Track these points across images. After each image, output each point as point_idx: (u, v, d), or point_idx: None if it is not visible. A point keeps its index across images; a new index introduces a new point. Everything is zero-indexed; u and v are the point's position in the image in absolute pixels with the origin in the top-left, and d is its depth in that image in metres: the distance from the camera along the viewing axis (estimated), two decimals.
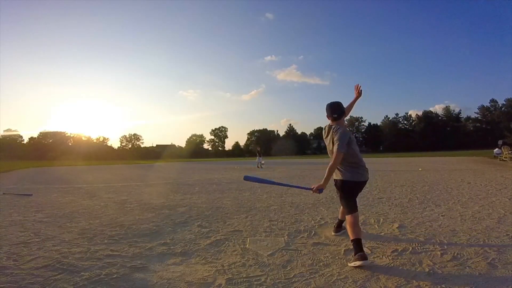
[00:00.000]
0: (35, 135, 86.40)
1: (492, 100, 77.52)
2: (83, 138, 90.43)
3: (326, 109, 2.76)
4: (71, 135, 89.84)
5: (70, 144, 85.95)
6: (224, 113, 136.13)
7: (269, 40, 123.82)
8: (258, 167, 19.36)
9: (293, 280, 2.16)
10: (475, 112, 79.86)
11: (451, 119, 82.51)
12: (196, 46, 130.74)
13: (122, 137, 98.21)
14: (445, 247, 2.75)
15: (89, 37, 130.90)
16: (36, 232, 3.64)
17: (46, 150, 74.99)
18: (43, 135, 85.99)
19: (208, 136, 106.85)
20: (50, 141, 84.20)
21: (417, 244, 2.87)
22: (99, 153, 74.13)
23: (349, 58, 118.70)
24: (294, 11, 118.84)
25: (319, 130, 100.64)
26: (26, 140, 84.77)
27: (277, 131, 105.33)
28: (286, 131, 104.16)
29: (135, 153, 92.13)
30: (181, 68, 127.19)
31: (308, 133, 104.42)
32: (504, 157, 17.87)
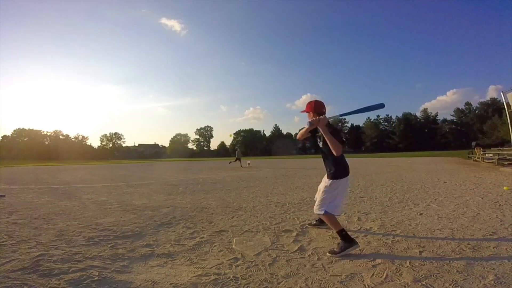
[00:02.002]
0: (9, 133, 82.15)
1: (467, 103, 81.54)
2: (61, 137, 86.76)
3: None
4: (48, 133, 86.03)
5: (46, 143, 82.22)
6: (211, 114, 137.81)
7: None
8: (229, 162, 20.32)
9: (279, 279, 2.17)
10: (450, 115, 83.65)
11: (429, 121, 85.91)
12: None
13: (103, 135, 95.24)
14: (424, 245, 2.86)
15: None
16: (10, 234, 3.46)
17: (21, 149, 71.45)
18: (18, 133, 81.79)
19: (192, 136, 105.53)
20: (25, 139, 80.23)
21: (397, 243, 2.97)
22: (78, 153, 71.44)
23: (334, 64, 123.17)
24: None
25: (302, 129, 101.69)
26: None
27: (263, 131, 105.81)
28: (272, 132, 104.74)
29: (116, 152, 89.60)
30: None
31: (293, 133, 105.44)
32: (477, 158, 18.81)
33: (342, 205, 2.94)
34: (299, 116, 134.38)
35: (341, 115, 2.90)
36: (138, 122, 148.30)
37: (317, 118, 2.75)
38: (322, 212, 2.78)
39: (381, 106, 2.74)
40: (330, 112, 3.55)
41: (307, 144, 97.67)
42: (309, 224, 3.70)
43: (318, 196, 2.94)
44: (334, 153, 2.60)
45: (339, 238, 2.74)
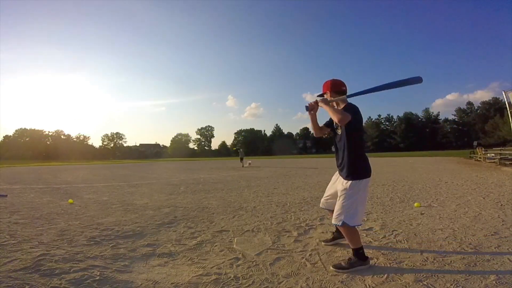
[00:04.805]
0: (11, 133, 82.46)
1: (469, 103, 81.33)
2: (62, 137, 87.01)
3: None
4: (49, 133, 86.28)
5: (48, 143, 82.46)
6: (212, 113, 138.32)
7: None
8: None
9: (280, 279, 2.17)
10: (452, 114, 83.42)
11: (430, 120, 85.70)
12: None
13: (104, 135, 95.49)
14: (425, 245, 2.85)
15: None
16: (12, 234, 3.47)
17: (23, 149, 71.68)
18: (19, 133, 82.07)
19: (194, 136, 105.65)
20: (27, 139, 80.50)
21: (398, 243, 2.96)
22: (79, 152, 71.62)
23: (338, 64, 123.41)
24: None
25: (305, 130, 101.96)
26: (0, 138, 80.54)
27: (264, 130, 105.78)
28: (272, 131, 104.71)
29: (117, 152, 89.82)
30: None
31: (294, 133, 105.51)
32: (479, 158, 18.75)
33: (362, 214, 2.47)
34: (302, 114, 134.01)
35: (349, 96, 2.36)
36: (139, 122, 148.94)
37: (315, 100, 2.43)
38: (340, 223, 2.32)
39: (417, 80, 2.06)
40: None
41: (308, 144, 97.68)
42: (325, 242, 2.99)
43: (337, 203, 2.43)
44: (336, 120, 2.14)
45: (351, 252, 2.40)
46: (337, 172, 2.61)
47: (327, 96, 2.47)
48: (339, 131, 2.44)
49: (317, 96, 2.56)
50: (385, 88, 2.19)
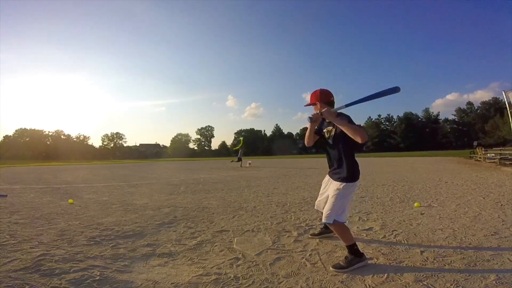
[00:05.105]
0: (11, 133, 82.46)
1: (469, 103, 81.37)
2: (62, 137, 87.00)
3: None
4: (49, 133, 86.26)
5: (48, 143, 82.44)
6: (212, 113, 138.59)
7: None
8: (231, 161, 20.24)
9: (280, 279, 2.17)
10: (452, 114, 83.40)
11: (430, 120, 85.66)
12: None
13: (104, 135, 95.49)
14: (425, 245, 2.85)
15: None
16: (11, 234, 3.47)
17: (23, 149, 71.65)
18: (19, 133, 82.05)
19: (194, 136, 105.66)
20: (27, 139, 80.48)
21: (398, 242, 2.96)
22: (79, 152, 71.59)
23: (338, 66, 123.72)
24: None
25: (305, 130, 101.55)
26: (0, 138, 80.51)
27: (264, 130, 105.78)
28: (272, 131, 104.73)
29: (117, 152, 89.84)
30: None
31: (294, 133, 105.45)
32: (479, 158, 18.76)
33: (348, 211, 2.65)
34: (302, 114, 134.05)
35: (347, 105, 2.35)
36: (139, 122, 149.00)
37: (318, 112, 2.44)
38: (331, 221, 2.41)
39: (396, 90, 2.18)
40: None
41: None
42: (312, 235, 3.26)
43: (327, 203, 2.51)
44: (360, 140, 2.16)
45: (346, 250, 2.44)
46: (327, 176, 2.72)
47: (317, 108, 2.54)
48: (330, 141, 2.51)
49: (305, 106, 2.67)
50: (367, 99, 2.29)
